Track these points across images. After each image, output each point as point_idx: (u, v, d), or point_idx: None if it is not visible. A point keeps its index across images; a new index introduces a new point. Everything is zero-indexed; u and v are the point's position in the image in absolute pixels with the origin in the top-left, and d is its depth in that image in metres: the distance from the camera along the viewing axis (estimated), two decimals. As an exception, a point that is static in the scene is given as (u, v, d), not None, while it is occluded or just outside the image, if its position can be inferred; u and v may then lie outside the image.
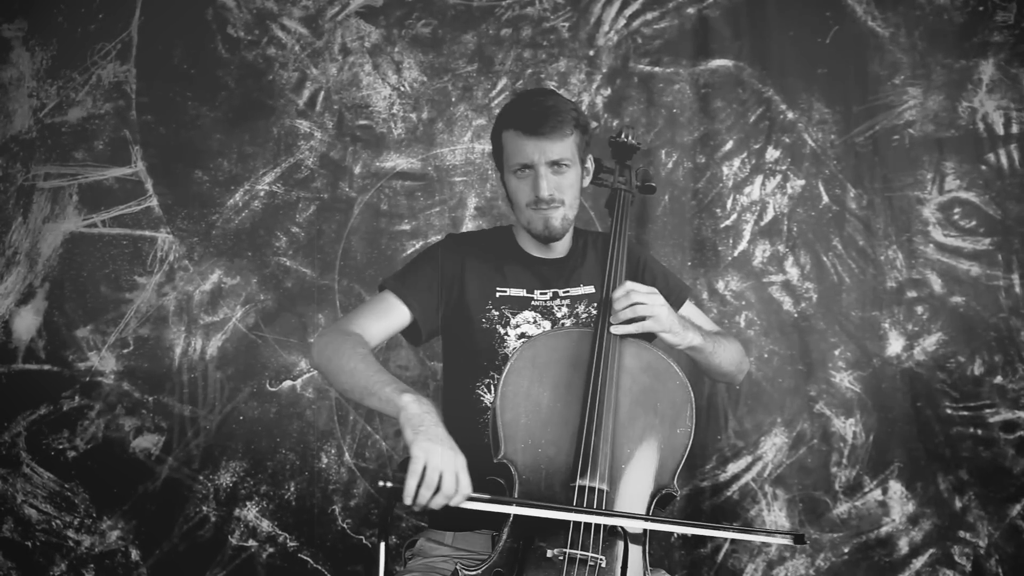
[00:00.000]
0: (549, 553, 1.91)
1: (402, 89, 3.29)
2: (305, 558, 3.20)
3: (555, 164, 2.21)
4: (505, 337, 2.27)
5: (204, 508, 3.20)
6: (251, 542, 3.20)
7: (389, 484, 1.82)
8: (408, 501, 1.81)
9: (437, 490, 1.82)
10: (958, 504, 3.21)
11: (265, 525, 3.20)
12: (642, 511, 1.99)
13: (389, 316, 2.25)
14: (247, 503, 3.20)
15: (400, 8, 3.28)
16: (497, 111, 2.55)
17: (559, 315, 2.30)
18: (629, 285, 2.08)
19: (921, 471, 3.23)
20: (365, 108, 3.29)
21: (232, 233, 3.25)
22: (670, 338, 2.14)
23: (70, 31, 3.22)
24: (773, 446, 3.25)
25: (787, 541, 2.01)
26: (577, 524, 1.90)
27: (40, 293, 3.21)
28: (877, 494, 3.23)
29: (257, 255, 3.26)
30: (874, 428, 3.24)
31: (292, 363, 3.24)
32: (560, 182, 2.22)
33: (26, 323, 3.21)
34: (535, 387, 2.04)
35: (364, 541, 3.21)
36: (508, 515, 1.93)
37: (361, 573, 3.20)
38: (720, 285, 3.27)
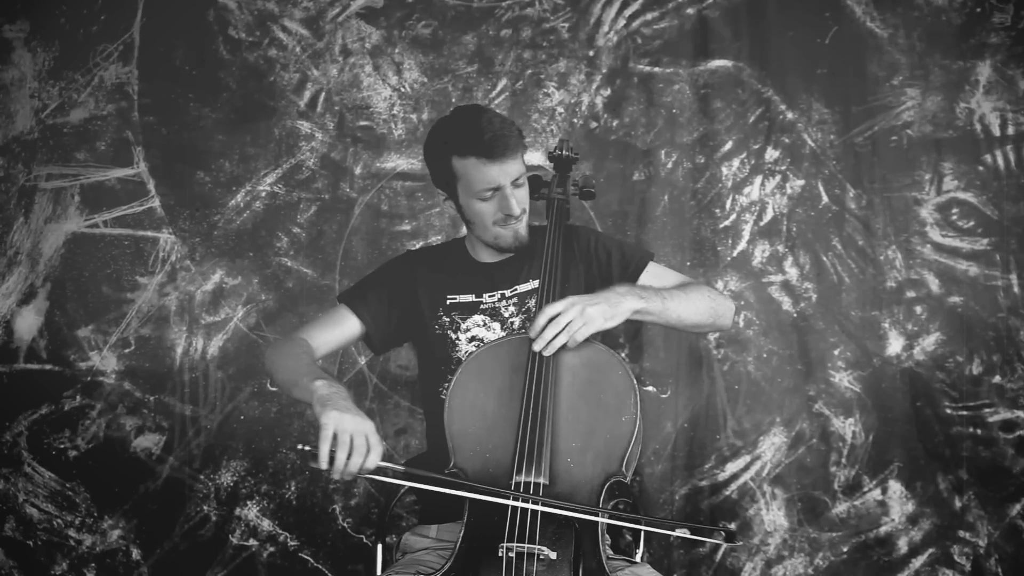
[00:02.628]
0: (500, 551, 1.95)
1: (402, 90, 3.30)
2: (306, 557, 3.21)
3: (515, 181, 2.31)
4: (457, 342, 2.38)
5: (205, 507, 3.21)
6: (252, 541, 3.21)
7: (307, 448, 1.94)
8: (324, 465, 1.92)
9: (351, 455, 1.94)
10: (958, 504, 3.21)
11: (266, 524, 3.21)
12: (593, 501, 2.03)
13: (340, 326, 2.41)
14: (248, 502, 3.21)
15: (400, 9, 3.29)
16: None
17: (506, 314, 2.39)
18: (548, 311, 2.12)
19: (920, 471, 3.23)
20: (366, 109, 3.30)
21: (234, 233, 3.27)
22: (611, 324, 2.17)
23: (72, 32, 3.24)
24: (772, 445, 3.25)
25: (717, 540, 2.05)
26: (514, 518, 1.96)
27: (41, 293, 3.22)
28: (876, 494, 3.23)
29: (258, 255, 3.27)
30: (873, 428, 3.24)
31: (293, 363, 3.25)
32: (520, 195, 2.34)
33: (27, 323, 3.22)
34: (480, 396, 2.13)
35: (364, 540, 3.21)
36: (463, 519, 2.02)
37: (361, 572, 3.20)
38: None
